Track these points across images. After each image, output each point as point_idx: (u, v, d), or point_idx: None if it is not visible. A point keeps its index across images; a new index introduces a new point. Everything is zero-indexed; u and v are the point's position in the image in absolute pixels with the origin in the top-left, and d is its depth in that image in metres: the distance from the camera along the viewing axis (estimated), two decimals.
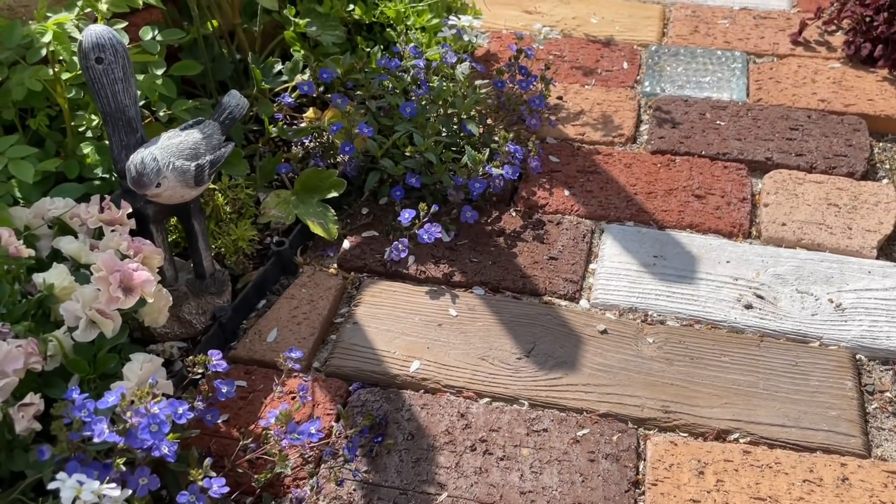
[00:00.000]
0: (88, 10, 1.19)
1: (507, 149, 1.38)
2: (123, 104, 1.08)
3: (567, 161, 1.51)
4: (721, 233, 1.37)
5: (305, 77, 1.51)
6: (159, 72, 1.30)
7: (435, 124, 1.38)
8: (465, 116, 1.45)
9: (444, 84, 1.47)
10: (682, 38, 1.85)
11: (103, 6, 1.17)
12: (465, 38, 1.42)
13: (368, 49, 1.61)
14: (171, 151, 1.07)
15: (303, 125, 1.52)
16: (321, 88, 1.53)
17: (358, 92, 1.47)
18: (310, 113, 1.54)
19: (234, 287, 1.27)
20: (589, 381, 1.14)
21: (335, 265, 1.33)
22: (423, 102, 1.43)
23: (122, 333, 0.96)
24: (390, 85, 1.47)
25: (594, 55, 1.80)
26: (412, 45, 1.53)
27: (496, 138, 1.41)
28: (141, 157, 1.04)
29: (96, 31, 1.06)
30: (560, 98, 1.66)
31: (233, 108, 1.16)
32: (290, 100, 1.48)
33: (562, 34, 1.87)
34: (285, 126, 1.49)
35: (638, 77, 1.73)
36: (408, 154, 1.34)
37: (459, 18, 1.43)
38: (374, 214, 1.41)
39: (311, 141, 1.49)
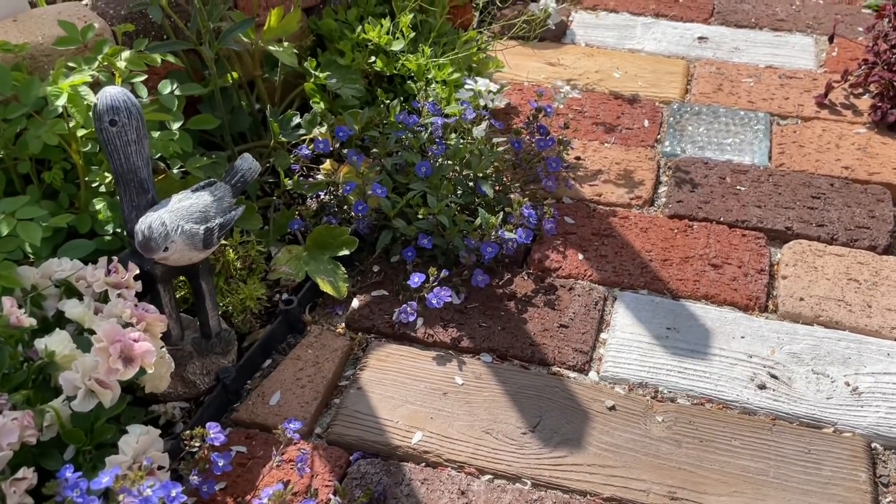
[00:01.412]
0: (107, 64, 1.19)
1: (521, 212, 1.36)
2: (136, 165, 1.08)
3: (582, 223, 1.49)
4: (737, 305, 1.34)
5: (323, 130, 1.51)
6: (176, 125, 1.31)
7: (449, 185, 1.38)
8: (480, 176, 1.44)
9: (462, 142, 1.47)
10: (705, 95, 1.83)
11: (122, 63, 1.18)
12: (482, 101, 1.42)
13: (388, 101, 1.61)
14: (180, 215, 1.07)
15: (319, 177, 1.52)
16: (338, 144, 1.53)
17: (374, 150, 1.47)
18: (327, 165, 1.54)
19: (241, 345, 1.26)
20: (594, 462, 1.11)
21: (343, 324, 1.32)
22: (439, 162, 1.42)
23: (121, 403, 0.95)
24: (407, 141, 1.47)
25: (615, 111, 1.78)
26: (431, 101, 1.52)
27: (512, 197, 1.40)
28: (149, 221, 1.03)
29: (111, 93, 1.06)
30: (578, 158, 1.64)
31: (244, 171, 1.15)
32: (307, 152, 1.48)
33: (584, 88, 1.86)
34: (301, 178, 1.49)
35: (659, 136, 1.71)
36: (420, 217, 1.33)
37: (476, 81, 1.42)
38: (384, 273, 1.40)
39: (326, 194, 1.49)
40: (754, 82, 1.87)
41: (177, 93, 1.32)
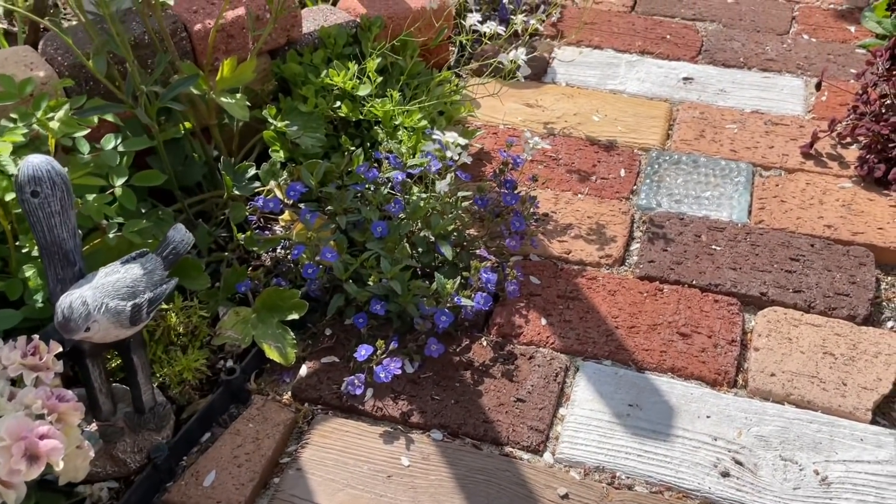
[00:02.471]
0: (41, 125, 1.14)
1: (480, 277, 1.30)
2: (60, 237, 1.03)
3: (548, 283, 1.43)
4: (704, 380, 1.28)
5: (282, 180, 1.45)
6: (120, 181, 1.25)
7: (404, 249, 1.31)
8: (441, 234, 1.37)
9: (424, 197, 1.40)
10: (686, 143, 1.76)
11: (55, 125, 1.12)
12: (449, 153, 1.35)
13: (352, 149, 1.56)
14: (105, 291, 1.01)
15: (278, 229, 1.46)
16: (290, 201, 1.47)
17: (329, 207, 1.41)
18: (286, 215, 1.48)
19: (179, 417, 1.20)
20: None
21: (289, 394, 1.26)
22: (398, 220, 1.36)
23: (28, 500, 0.89)
24: (366, 196, 1.40)
25: (592, 159, 1.72)
26: (392, 153, 1.46)
27: (477, 253, 1.34)
28: (70, 300, 0.98)
29: (34, 162, 1.00)
30: (546, 215, 1.57)
31: (177, 243, 1.09)
32: (263, 203, 1.43)
33: (561, 133, 1.79)
34: (258, 231, 1.44)
35: (635, 187, 1.65)
36: (370, 284, 1.27)
37: (444, 133, 1.36)
38: (337, 337, 1.33)
39: (282, 248, 1.43)
40: (738, 129, 1.80)
41: (121, 148, 1.26)
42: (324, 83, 1.58)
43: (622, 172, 1.68)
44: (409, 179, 1.42)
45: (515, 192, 1.50)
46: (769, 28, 2.16)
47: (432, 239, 1.38)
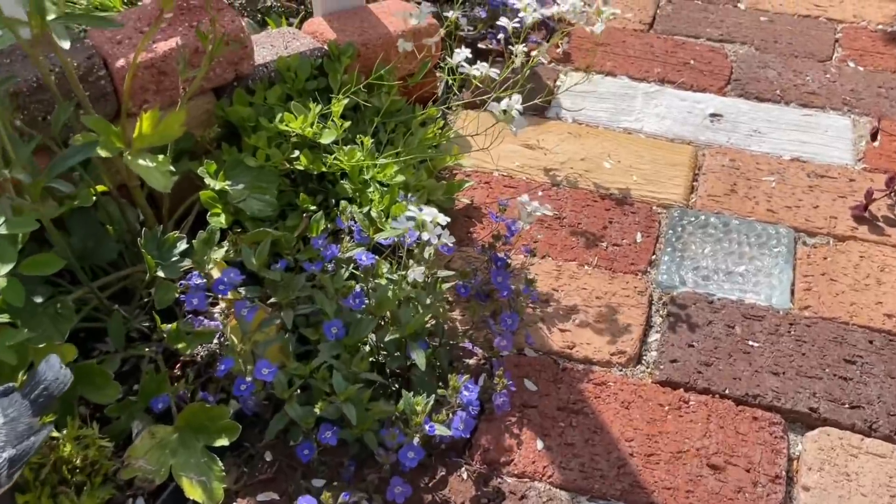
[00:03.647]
0: None
1: (459, 400, 1.03)
2: None
3: (547, 390, 1.16)
4: None
5: (221, 255, 1.18)
6: (6, 270, 0.98)
7: (363, 361, 1.04)
8: (413, 333, 1.10)
9: (393, 284, 1.13)
10: (714, 199, 1.48)
11: None
12: (426, 237, 1.08)
13: (313, 208, 1.28)
14: None
15: (217, 312, 1.19)
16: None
17: (273, 299, 1.14)
18: (230, 295, 1.21)
19: None
20: None
21: None
22: (360, 316, 1.09)
23: None
24: (322, 280, 1.13)
25: (602, 218, 1.44)
26: (358, 224, 1.19)
27: (460, 344, 1.07)
28: None
29: None
30: (547, 294, 1.30)
31: (49, 382, 0.83)
32: (198, 281, 1.15)
33: (566, 183, 1.51)
34: (189, 317, 1.16)
35: (653, 257, 1.37)
36: (319, 410, 1.00)
37: (421, 209, 1.08)
38: (279, 464, 1.07)
39: (219, 338, 1.16)
40: (777, 181, 1.52)
41: (2, 231, 0.99)
42: (279, 129, 1.30)
43: (638, 237, 1.40)
44: (377, 257, 1.15)
45: (508, 270, 1.23)
46: (809, 53, 1.87)
47: (403, 338, 1.11)
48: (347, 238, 1.17)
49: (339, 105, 1.31)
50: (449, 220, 1.14)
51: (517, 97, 1.26)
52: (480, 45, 1.86)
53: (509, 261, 1.25)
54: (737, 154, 1.58)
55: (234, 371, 1.04)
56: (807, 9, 2.03)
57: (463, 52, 1.34)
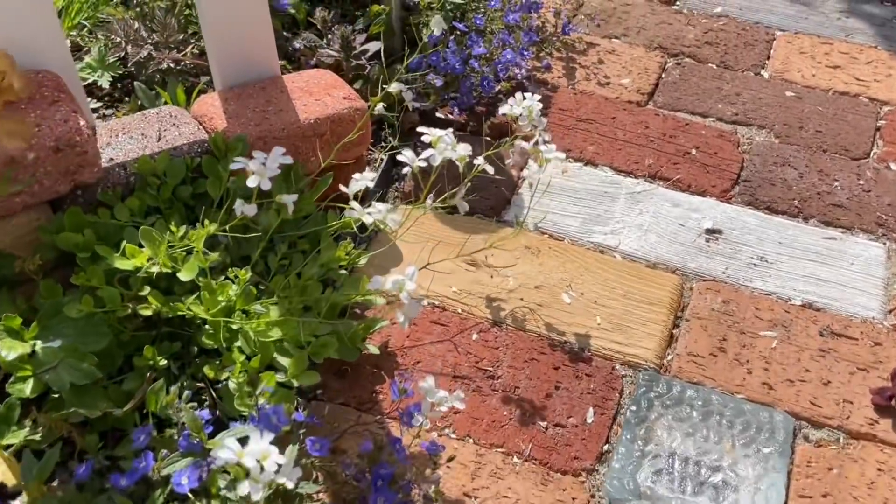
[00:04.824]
0: None
1: None
2: None
3: None
4: None
5: (18, 440, 0.89)
6: None
7: None
8: None
9: None
10: (696, 361, 1.16)
11: None
12: (248, 488, 0.77)
13: (162, 362, 0.99)
14: None
15: None
16: None
17: None
18: None
19: None
20: None
21: None
22: None
23: None
24: None
25: (547, 380, 1.12)
26: (186, 427, 0.89)
27: None
28: None
29: None
30: (455, 501, 0.99)
31: None
32: None
33: (510, 320, 1.20)
34: None
35: (605, 447, 1.05)
36: None
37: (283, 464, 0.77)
38: None
39: None
40: (779, 340, 1.19)
41: None
42: (117, 264, 1.00)
43: (590, 414, 1.09)
44: (209, 470, 0.85)
45: (395, 489, 0.92)
46: (841, 147, 1.52)
47: None
48: (171, 438, 0.87)
49: (200, 236, 1.00)
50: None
51: (461, 191, 0.96)
52: (438, 114, 1.54)
53: (395, 475, 0.94)
54: (733, 293, 1.25)
55: None
56: (845, 83, 1.67)
57: (367, 175, 1.02)
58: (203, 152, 1.14)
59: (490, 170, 1.15)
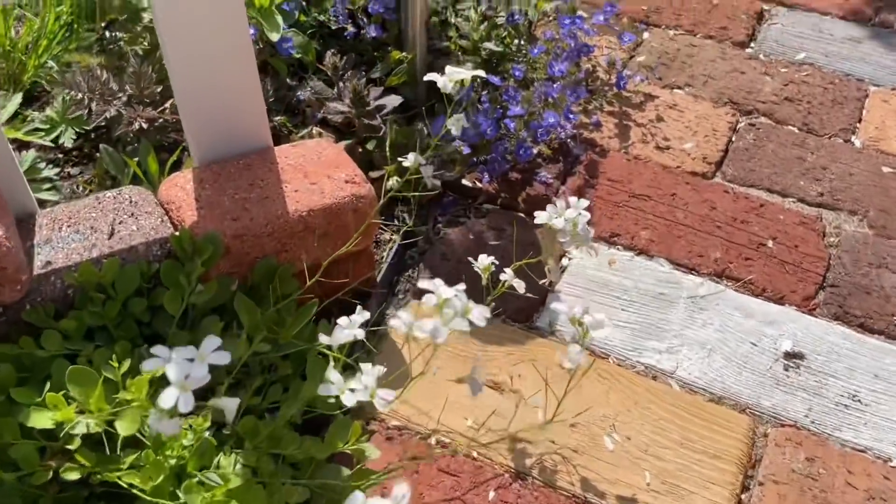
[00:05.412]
0: None
1: None
2: None
3: None
4: None
5: None
6: None
7: None
8: None
9: None
10: None
11: None
12: None
13: None
14: None
15: None
16: None
17: None
18: None
19: None
20: None
21: None
22: None
23: None
24: None
25: None
26: None
27: None
28: None
29: None
30: None
31: None
32: None
33: (537, 472, 0.96)
34: None
35: None
36: None
37: None
38: None
39: None
40: None
41: None
42: (29, 423, 0.78)
43: None
44: None
45: None
46: None
47: None
48: None
49: (141, 385, 0.78)
50: None
51: (479, 312, 0.73)
52: (465, 182, 1.30)
53: None
54: (819, 446, 1.00)
55: None
56: None
57: (357, 320, 0.79)
58: (165, 254, 0.92)
59: (520, 288, 0.92)
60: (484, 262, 0.93)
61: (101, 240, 0.91)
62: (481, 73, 0.88)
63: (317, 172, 1.02)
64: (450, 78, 0.84)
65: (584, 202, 0.90)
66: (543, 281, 1.14)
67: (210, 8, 0.91)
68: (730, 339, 1.12)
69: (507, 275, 0.92)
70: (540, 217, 0.90)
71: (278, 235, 0.96)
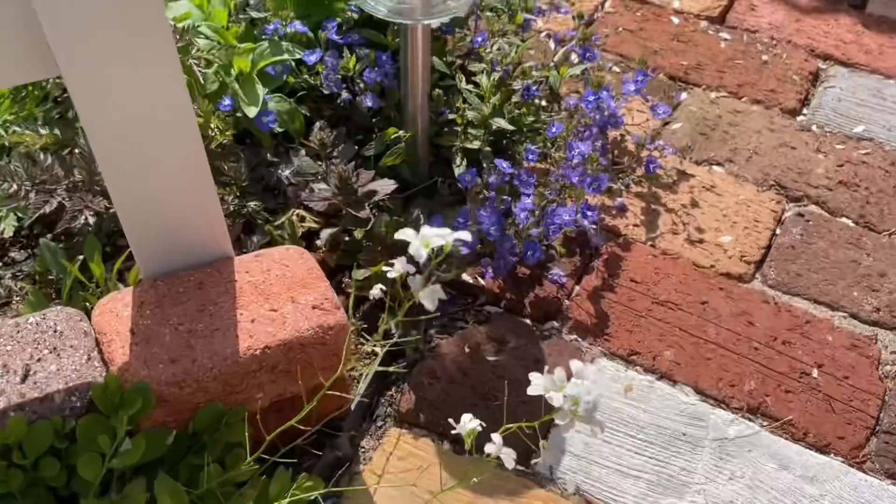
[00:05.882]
0: None
1: None
2: None
3: None
4: None
5: None
6: None
7: None
8: None
9: None
10: None
11: None
12: None
13: None
14: None
15: None
16: None
17: None
18: None
19: None
20: None
21: None
22: None
23: None
24: None
25: None
26: None
27: None
28: None
29: None
30: None
31: None
32: None
33: None
34: None
35: None
36: None
37: None
38: None
39: None
40: None
41: None
42: None
43: None
44: None
45: None
46: None
47: None
48: None
49: None
50: None
51: None
52: (466, 277, 1.14)
53: None
54: None
55: None
56: None
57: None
58: (87, 404, 0.78)
59: (510, 462, 0.76)
60: (467, 426, 0.77)
61: (11, 384, 0.77)
62: (465, 235, 0.70)
63: (280, 295, 0.87)
64: (424, 242, 0.68)
65: (592, 370, 0.74)
66: (535, 461, 0.98)
67: (150, 107, 0.76)
68: (761, 498, 0.95)
69: (493, 445, 0.76)
70: (534, 386, 0.74)
71: (226, 377, 0.81)
